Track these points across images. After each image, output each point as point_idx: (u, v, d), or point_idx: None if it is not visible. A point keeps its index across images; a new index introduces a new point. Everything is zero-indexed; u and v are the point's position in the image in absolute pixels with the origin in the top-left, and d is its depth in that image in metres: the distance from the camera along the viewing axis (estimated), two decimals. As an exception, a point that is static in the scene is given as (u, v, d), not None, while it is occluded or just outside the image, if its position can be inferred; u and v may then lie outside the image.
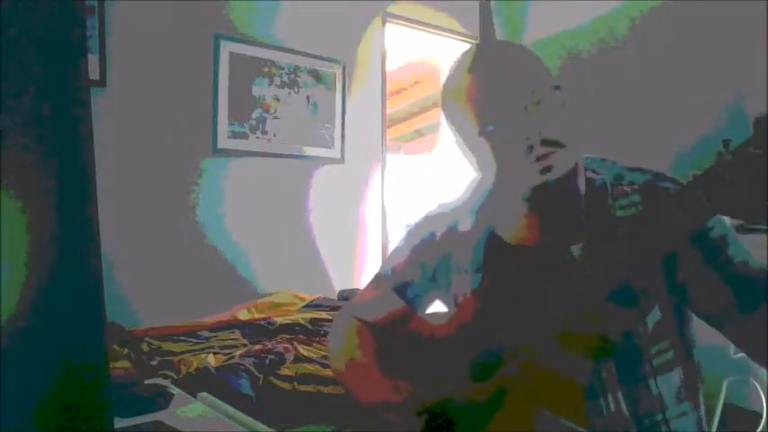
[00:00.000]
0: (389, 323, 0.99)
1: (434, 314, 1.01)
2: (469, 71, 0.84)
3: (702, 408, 0.88)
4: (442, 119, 0.93)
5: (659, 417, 0.82)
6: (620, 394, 0.81)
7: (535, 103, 0.80)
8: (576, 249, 0.84)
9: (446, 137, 4.12)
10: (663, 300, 0.83)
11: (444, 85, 0.89)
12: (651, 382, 0.82)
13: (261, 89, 2.93)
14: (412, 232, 1.06)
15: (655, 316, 0.82)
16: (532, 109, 0.80)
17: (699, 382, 0.87)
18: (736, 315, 0.77)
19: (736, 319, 0.78)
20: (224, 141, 2.81)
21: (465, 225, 0.98)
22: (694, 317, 0.87)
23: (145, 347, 2.10)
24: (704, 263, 0.80)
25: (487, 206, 0.96)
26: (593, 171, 0.89)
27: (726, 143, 3.04)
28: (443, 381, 0.85)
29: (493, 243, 0.93)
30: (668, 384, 0.83)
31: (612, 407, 0.81)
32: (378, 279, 1.08)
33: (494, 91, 0.82)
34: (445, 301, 1.02)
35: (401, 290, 1.02)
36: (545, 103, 0.81)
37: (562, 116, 0.82)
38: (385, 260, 1.10)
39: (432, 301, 1.05)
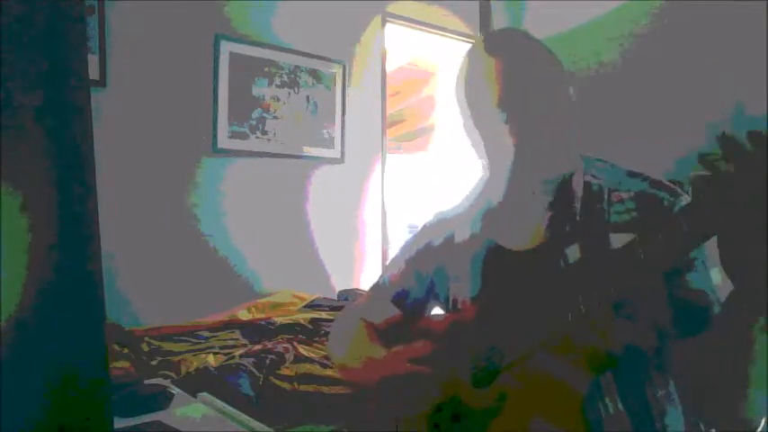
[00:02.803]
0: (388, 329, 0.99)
1: (432, 318, 1.01)
2: (490, 52, 0.86)
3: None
4: (449, 114, 0.94)
5: (658, 422, 0.81)
6: (618, 397, 0.80)
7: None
8: (570, 252, 0.84)
9: (444, 137, 4.12)
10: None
11: (461, 71, 0.90)
12: (649, 384, 0.82)
13: (261, 89, 2.93)
14: (409, 242, 1.07)
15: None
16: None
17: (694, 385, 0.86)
18: (671, 339, 0.78)
19: (668, 344, 0.78)
20: (224, 141, 2.81)
21: (463, 235, 0.98)
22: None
23: (145, 347, 2.09)
24: (663, 278, 0.78)
25: (488, 215, 0.96)
26: (592, 175, 0.89)
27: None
28: (444, 381, 0.85)
29: (491, 252, 0.93)
30: (666, 388, 0.82)
31: (611, 409, 0.80)
32: (376, 288, 1.08)
33: (512, 71, 0.84)
34: (443, 309, 1.02)
35: (398, 300, 1.03)
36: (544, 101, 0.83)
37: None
38: (383, 269, 1.11)
39: (430, 310, 1.05)
